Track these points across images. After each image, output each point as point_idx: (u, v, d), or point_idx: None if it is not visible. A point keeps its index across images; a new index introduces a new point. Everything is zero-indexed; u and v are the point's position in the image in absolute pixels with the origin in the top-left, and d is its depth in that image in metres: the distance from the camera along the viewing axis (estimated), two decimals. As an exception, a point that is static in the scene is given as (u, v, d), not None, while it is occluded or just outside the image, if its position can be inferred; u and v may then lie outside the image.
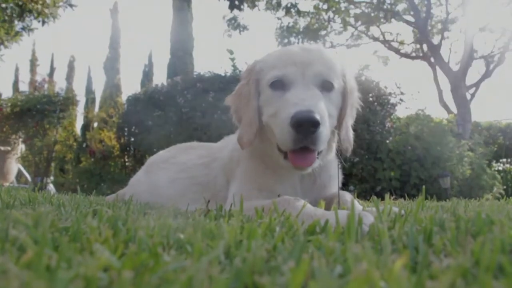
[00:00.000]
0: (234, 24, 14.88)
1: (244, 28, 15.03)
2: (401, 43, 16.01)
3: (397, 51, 16.07)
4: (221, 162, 2.16)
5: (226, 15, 14.98)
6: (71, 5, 8.77)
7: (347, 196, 1.80)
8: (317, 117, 1.46)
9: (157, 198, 2.37)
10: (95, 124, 10.48)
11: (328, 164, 1.90)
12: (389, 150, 6.07)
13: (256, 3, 12.68)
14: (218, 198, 1.96)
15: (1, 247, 0.71)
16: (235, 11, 12.20)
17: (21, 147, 8.61)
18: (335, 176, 1.93)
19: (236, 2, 11.18)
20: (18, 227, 0.85)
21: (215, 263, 0.63)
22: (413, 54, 16.09)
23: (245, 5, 11.82)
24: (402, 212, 1.28)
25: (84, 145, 8.81)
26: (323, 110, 1.55)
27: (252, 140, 1.73)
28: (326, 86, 1.69)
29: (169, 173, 2.51)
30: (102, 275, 0.55)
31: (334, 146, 1.85)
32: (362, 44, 16.32)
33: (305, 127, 1.47)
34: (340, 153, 1.87)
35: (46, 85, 10.27)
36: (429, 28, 14.80)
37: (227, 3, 11.60)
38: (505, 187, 7.75)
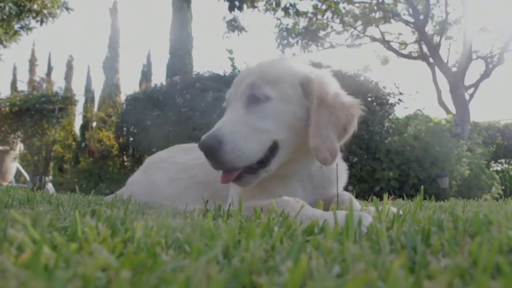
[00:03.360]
0: (233, 25, 14.86)
1: (243, 29, 15.01)
2: (402, 43, 16.02)
3: (396, 51, 16.08)
4: None
5: (226, 16, 14.98)
6: (67, 9, 8.77)
7: (346, 196, 1.81)
8: (210, 141, 1.53)
9: (155, 198, 2.37)
10: (94, 124, 10.47)
11: (328, 169, 1.87)
12: (388, 150, 6.08)
13: (256, 4, 12.68)
14: (219, 198, 1.96)
15: (-1, 246, 0.71)
16: (235, 12, 12.19)
17: (19, 147, 8.60)
18: (336, 180, 1.92)
19: (236, 3, 11.18)
20: (16, 226, 0.85)
21: (213, 263, 0.63)
22: (412, 54, 16.10)
23: (245, 6, 11.80)
24: (401, 212, 1.29)
25: (83, 144, 8.79)
26: (233, 129, 1.58)
27: None
28: (254, 99, 1.66)
29: (169, 173, 2.51)
30: (100, 274, 0.55)
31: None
32: (362, 44, 16.32)
33: (208, 152, 1.55)
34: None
35: (44, 85, 10.26)
36: (429, 28, 14.82)
37: (227, 3, 11.59)
38: (503, 187, 7.76)
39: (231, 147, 1.54)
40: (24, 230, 0.80)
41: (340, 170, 1.94)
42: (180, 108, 6.52)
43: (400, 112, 7.00)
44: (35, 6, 8.13)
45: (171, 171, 2.51)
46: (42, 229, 0.75)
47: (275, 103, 1.66)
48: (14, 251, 0.69)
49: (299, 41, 14.95)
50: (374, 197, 1.31)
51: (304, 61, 1.95)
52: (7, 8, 8.06)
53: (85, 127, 11.69)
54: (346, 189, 2.06)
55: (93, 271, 0.52)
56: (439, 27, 15.14)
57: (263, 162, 1.65)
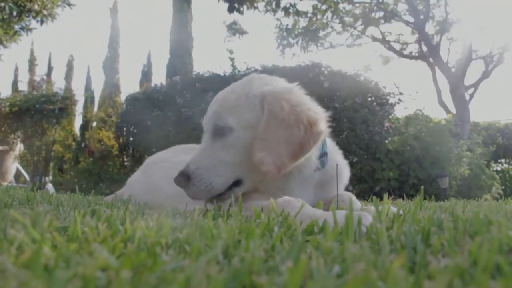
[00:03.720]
0: (234, 29, 14.84)
1: (244, 33, 14.99)
2: (402, 43, 16.02)
3: (396, 51, 16.07)
4: None
5: (226, 20, 14.97)
6: (69, 4, 8.77)
7: (347, 196, 1.81)
8: (179, 178, 1.68)
9: (155, 198, 2.37)
10: (94, 124, 10.46)
11: (330, 168, 1.87)
12: (388, 150, 6.08)
13: (256, 4, 12.66)
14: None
15: (-1, 246, 0.71)
16: (235, 15, 12.18)
17: (19, 147, 8.60)
18: (336, 180, 1.92)
19: (236, 5, 11.16)
20: (16, 226, 0.85)
21: (213, 263, 0.63)
22: (413, 54, 16.10)
23: (245, 7, 11.78)
24: (401, 212, 1.29)
25: (83, 144, 8.79)
26: (198, 164, 1.68)
27: None
28: (218, 130, 1.69)
29: (169, 172, 2.50)
30: (100, 274, 0.55)
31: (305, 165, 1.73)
32: (362, 44, 16.32)
33: (181, 187, 1.70)
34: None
35: (44, 85, 10.26)
36: (429, 28, 14.83)
37: (227, 4, 11.58)
38: (503, 187, 7.76)
39: (197, 181, 1.65)
40: (24, 230, 0.80)
41: (342, 170, 1.94)
42: (180, 108, 6.53)
43: (400, 112, 7.00)
44: (36, 6, 8.14)
45: (171, 171, 2.51)
46: (42, 229, 0.75)
47: (236, 133, 1.67)
48: (14, 251, 0.69)
49: (299, 41, 14.94)
50: (374, 197, 1.31)
51: (272, 77, 1.87)
52: (7, 9, 8.07)
53: (85, 127, 11.68)
54: (346, 189, 2.06)
55: (93, 271, 0.52)
56: (439, 27, 15.13)
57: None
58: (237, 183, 1.69)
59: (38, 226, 0.83)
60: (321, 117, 1.67)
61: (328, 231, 0.92)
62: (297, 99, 1.66)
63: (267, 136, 1.59)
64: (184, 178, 1.67)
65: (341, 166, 1.94)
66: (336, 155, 1.96)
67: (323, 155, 1.77)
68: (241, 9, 11.65)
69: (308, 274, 0.57)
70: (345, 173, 2.00)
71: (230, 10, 11.49)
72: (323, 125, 1.66)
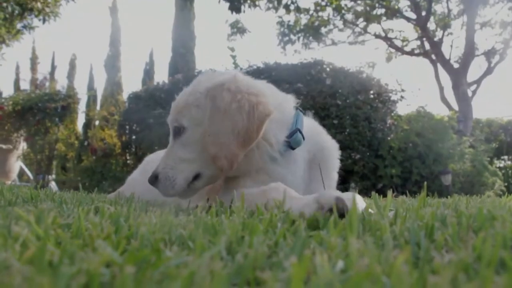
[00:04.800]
0: (237, 28, 14.81)
1: (245, 31, 14.96)
2: (405, 40, 15.97)
3: (398, 48, 16.04)
4: None
5: (229, 19, 14.94)
6: (72, -1, 8.78)
7: (350, 195, 1.81)
8: (150, 178, 1.81)
9: (154, 196, 2.37)
10: (97, 122, 10.49)
11: (319, 148, 1.92)
12: (390, 147, 6.08)
13: (257, 2, 12.64)
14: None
15: (3, 243, 0.71)
16: (236, 14, 12.16)
17: (22, 145, 8.62)
18: (327, 162, 1.95)
19: (236, 3, 11.15)
20: (20, 223, 0.85)
21: (216, 258, 0.63)
22: (415, 51, 16.06)
23: (246, 5, 11.76)
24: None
25: (85, 143, 8.82)
26: (164, 164, 1.80)
27: None
28: (177, 131, 1.81)
29: None
30: (104, 270, 0.55)
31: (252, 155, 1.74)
32: (364, 41, 16.28)
33: (153, 186, 1.82)
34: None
35: (47, 83, 10.28)
36: (431, 25, 14.78)
37: (228, 3, 11.56)
38: (506, 184, 7.74)
39: (164, 180, 1.77)
40: (28, 227, 0.81)
41: (330, 149, 1.97)
42: (182, 106, 6.51)
43: (402, 109, 7.00)
44: (38, 5, 8.14)
45: None
46: (46, 226, 0.75)
47: (189, 131, 1.77)
48: (18, 247, 0.70)
49: (301, 38, 14.92)
50: (373, 193, 1.31)
51: (221, 72, 1.94)
52: (9, 7, 8.08)
53: (87, 125, 11.72)
54: (348, 186, 2.06)
55: (97, 267, 0.52)
56: (441, 23, 15.09)
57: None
58: (196, 177, 1.78)
59: (42, 223, 0.84)
60: (262, 99, 1.67)
61: (331, 226, 0.92)
62: (238, 86, 1.68)
63: (214, 130, 1.66)
64: (153, 178, 1.81)
65: (328, 146, 1.97)
66: (320, 134, 1.99)
67: (294, 132, 1.77)
68: (242, 7, 11.63)
69: (312, 269, 0.57)
70: (334, 152, 2.00)
71: (231, 9, 11.47)
72: (267, 107, 1.66)
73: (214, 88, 1.70)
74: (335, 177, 2.02)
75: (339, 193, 1.14)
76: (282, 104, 1.82)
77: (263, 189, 1.49)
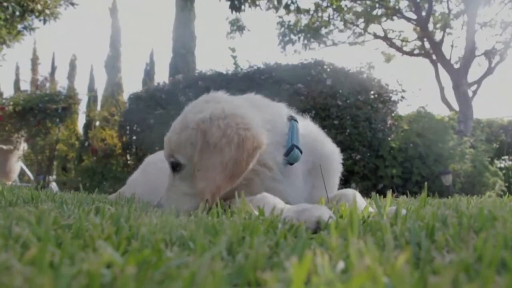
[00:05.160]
0: (237, 26, 14.81)
1: (244, 29, 14.95)
2: (404, 40, 15.97)
3: (399, 48, 16.04)
4: None
5: (229, 17, 14.94)
6: (72, 4, 8.79)
7: (350, 192, 1.81)
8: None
9: (155, 197, 2.37)
10: (97, 123, 10.49)
11: (320, 156, 1.91)
12: (391, 148, 6.07)
13: (257, 2, 12.64)
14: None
15: (4, 244, 0.71)
16: (236, 13, 12.16)
17: (23, 146, 8.62)
18: (330, 171, 1.94)
19: (236, 2, 11.14)
20: (21, 224, 0.85)
21: (217, 259, 0.63)
22: (415, 52, 16.05)
23: (246, 5, 11.76)
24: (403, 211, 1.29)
25: (86, 143, 8.83)
26: (168, 197, 1.80)
27: None
28: (175, 165, 1.80)
29: (168, 171, 2.50)
30: (105, 271, 0.55)
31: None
32: (364, 41, 16.28)
33: None
34: None
35: (47, 84, 10.28)
36: (431, 25, 14.78)
37: (228, 3, 11.56)
38: (507, 184, 7.73)
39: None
40: (29, 227, 0.81)
41: (329, 158, 1.95)
42: (183, 106, 6.51)
43: (402, 109, 7.01)
44: (38, 6, 8.15)
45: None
46: (47, 227, 0.75)
47: (186, 167, 1.76)
48: (19, 248, 0.70)
49: (301, 38, 14.92)
50: (373, 193, 1.31)
51: (207, 100, 1.89)
52: (10, 8, 8.08)
53: (88, 126, 11.72)
54: (349, 187, 2.06)
55: (98, 268, 0.52)
56: (442, 24, 15.09)
57: None
58: None
59: (42, 224, 0.84)
60: (253, 132, 1.64)
61: (332, 227, 0.92)
62: (227, 122, 1.65)
63: (203, 165, 1.66)
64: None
65: (326, 152, 1.96)
66: (318, 141, 1.97)
67: (290, 149, 1.76)
68: (243, 7, 11.63)
69: (313, 270, 0.57)
70: (333, 157, 1.99)
71: (232, 8, 11.47)
72: (257, 139, 1.63)
73: (203, 122, 1.69)
74: (336, 181, 2.01)
75: (322, 211, 1.10)
76: (275, 122, 1.81)
77: (249, 199, 1.48)
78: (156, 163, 2.69)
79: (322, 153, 1.93)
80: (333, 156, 1.99)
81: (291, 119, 1.87)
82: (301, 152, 1.79)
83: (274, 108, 1.92)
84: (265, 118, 1.79)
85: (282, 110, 1.92)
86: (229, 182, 1.60)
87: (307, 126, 2.00)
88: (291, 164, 1.78)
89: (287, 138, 1.79)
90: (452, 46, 15.24)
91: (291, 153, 1.76)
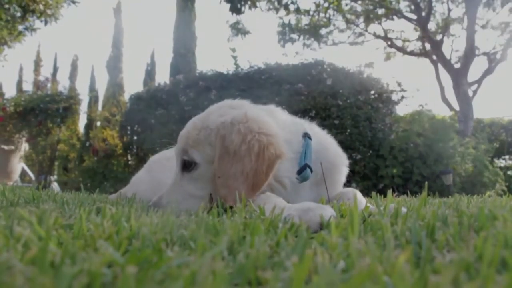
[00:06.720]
0: (237, 29, 14.79)
1: (246, 33, 14.93)
2: (405, 40, 15.96)
3: (399, 48, 16.02)
4: None
5: (229, 20, 14.93)
6: (74, 2, 8.79)
7: (351, 191, 1.81)
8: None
9: None
10: (98, 123, 10.50)
11: (327, 165, 1.88)
12: (391, 147, 6.07)
13: (257, 3, 12.64)
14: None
15: (6, 243, 0.72)
16: (237, 15, 12.15)
17: (24, 146, 8.63)
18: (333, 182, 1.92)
19: (237, 5, 11.15)
20: (22, 224, 0.85)
21: (218, 258, 0.63)
22: (415, 51, 16.04)
23: (246, 6, 11.77)
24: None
25: (87, 144, 8.83)
26: (170, 198, 1.70)
27: None
28: (186, 164, 1.73)
29: (174, 170, 2.51)
30: (106, 270, 0.55)
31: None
32: (364, 41, 16.27)
33: None
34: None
35: (49, 85, 10.29)
36: (432, 25, 14.78)
37: (229, 4, 11.57)
38: (507, 184, 7.72)
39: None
40: (30, 227, 0.81)
41: (332, 171, 1.92)
42: (184, 106, 6.53)
43: (403, 109, 7.01)
44: (40, 7, 8.16)
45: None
46: (48, 227, 0.75)
47: (201, 167, 1.70)
48: (20, 248, 0.70)
49: (301, 38, 14.91)
50: (373, 193, 1.31)
51: (231, 105, 1.85)
52: (11, 9, 8.09)
53: (89, 126, 11.73)
54: (349, 186, 2.05)
55: (99, 267, 0.52)
56: (442, 23, 15.07)
57: None
58: None
59: (44, 224, 0.84)
60: (273, 140, 1.60)
61: (333, 226, 0.92)
62: (248, 127, 1.61)
63: (223, 172, 1.59)
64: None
65: (334, 162, 1.93)
66: (326, 151, 1.93)
67: (303, 168, 1.73)
68: (243, 9, 11.63)
69: (313, 269, 0.57)
70: (340, 168, 1.97)
71: (232, 10, 11.48)
72: (278, 148, 1.60)
73: (224, 127, 1.64)
74: (340, 187, 1.99)
75: (327, 212, 1.11)
76: (292, 138, 1.77)
77: (261, 197, 1.49)
78: (161, 162, 2.70)
79: (329, 162, 1.90)
80: (339, 167, 1.97)
81: (305, 135, 1.83)
82: (311, 171, 1.77)
83: (293, 123, 1.88)
84: (286, 131, 1.76)
85: (299, 126, 1.87)
86: (251, 193, 1.55)
87: (317, 136, 1.95)
88: (301, 182, 1.76)
89: (301, 156, 1.76)
90: (452, 46, 15.24)
91: (303, 172, 1.73)
